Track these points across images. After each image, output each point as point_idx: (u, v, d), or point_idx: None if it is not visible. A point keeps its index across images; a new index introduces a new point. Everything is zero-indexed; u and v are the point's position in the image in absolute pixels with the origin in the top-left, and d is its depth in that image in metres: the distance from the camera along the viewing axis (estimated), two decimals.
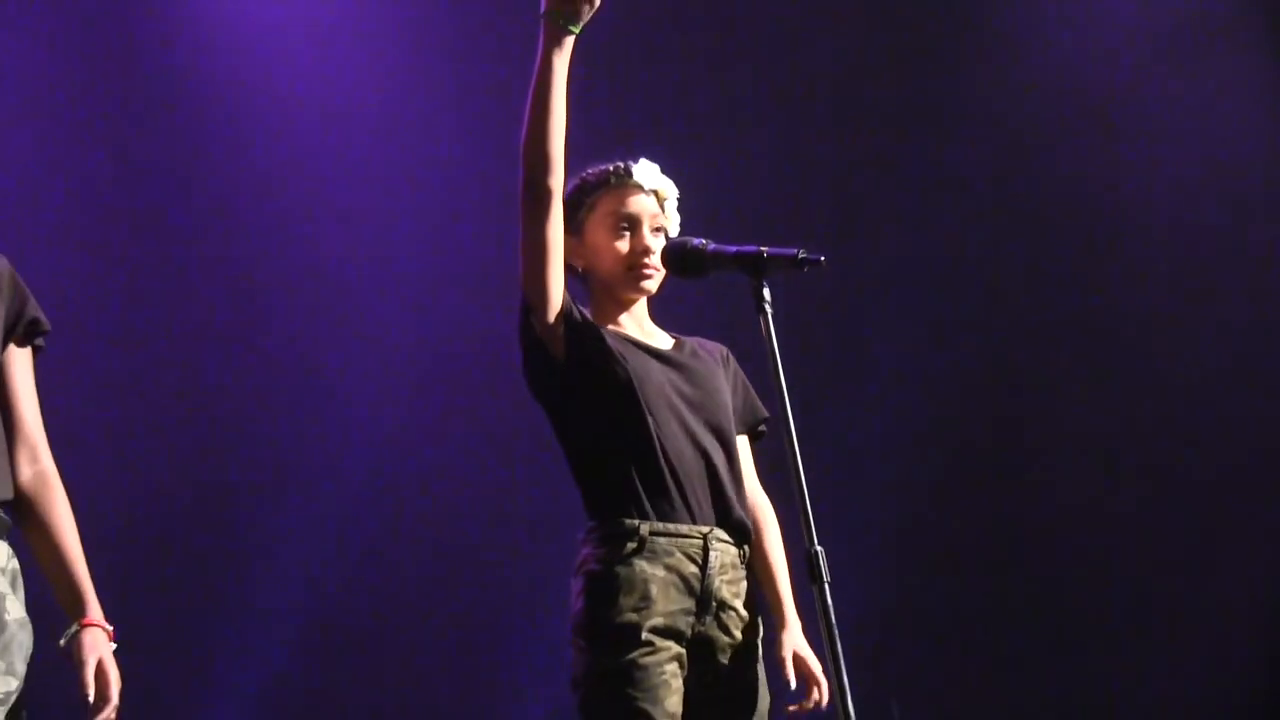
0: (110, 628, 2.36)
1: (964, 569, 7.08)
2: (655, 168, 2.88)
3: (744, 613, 2.67)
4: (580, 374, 2.68)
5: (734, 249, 2.63)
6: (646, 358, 2.74)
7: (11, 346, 2.40)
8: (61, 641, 2.34)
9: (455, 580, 6.67)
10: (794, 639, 2.74)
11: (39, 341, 2.46)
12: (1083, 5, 7.79)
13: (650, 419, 2.66)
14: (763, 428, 2.93)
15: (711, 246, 2.66)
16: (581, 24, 2.57)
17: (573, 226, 2.78)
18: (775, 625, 2.76)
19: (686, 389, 2.74)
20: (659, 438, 2.65)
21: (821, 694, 2.69)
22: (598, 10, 2.55)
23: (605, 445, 2.68)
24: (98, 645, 2.32)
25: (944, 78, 7.71)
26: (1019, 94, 7.68)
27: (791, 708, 2.65)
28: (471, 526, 6.41)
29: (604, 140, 2.92)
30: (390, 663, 6.72)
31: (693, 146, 3.12)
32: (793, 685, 2.69)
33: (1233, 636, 7.41)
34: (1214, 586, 7.37)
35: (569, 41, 2.57)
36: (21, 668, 2.24)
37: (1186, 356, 7.28)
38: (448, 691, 6.14)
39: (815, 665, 2.72)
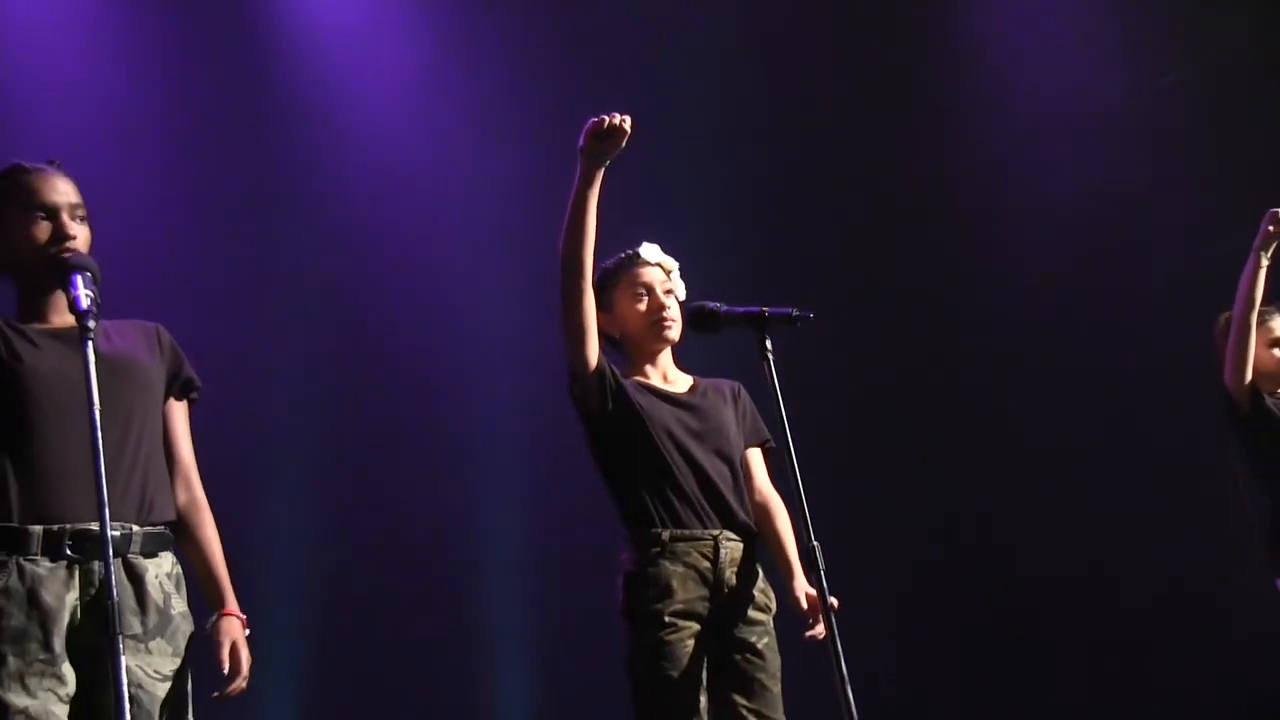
0: (244, 616, 2.62)
1: (928, 551, 7.47)
2: (657, 247, 3.29)
3: (753, 594, 3.05)
4: (611, 422, 3.07)
5: (741, 310, 3.04)
6: (660, 403, 3.12)
7: (172, 400, 2.68)
8: (207, 627, 2.59)
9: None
10: (800, 584, 3.07)
11: (193, 395, 2.73)
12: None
13: (663, 451, 3.05)
14: (770, 443, 3.28)
15: (724, 309, 3.07)
16: (609, 161, 2.95)
17: (603, 304, 3.18)
18: (786, 581, 3.11)
19: (694, 424, 3.12)
20: (671, 465, 3.04)
21: (818, 616, 3.00)
22: (621, 151, 2.93)
23: (630, 473, 3.09)
24: (233, 630, 2.59)
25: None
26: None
27: (808, 634, 3.01)
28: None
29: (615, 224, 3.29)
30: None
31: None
32: (808, 607, 3.04)
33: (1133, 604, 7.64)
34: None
35: (599, 175, 2.96)
36: (183, 648, 2.51)
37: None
38: None
39: (815, 595, 2.94)
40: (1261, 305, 4.23)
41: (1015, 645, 7.79)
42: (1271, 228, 4.13)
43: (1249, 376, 4.27)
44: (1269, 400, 4.33)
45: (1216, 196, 6.74)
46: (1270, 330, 4.36)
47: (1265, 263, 4.16)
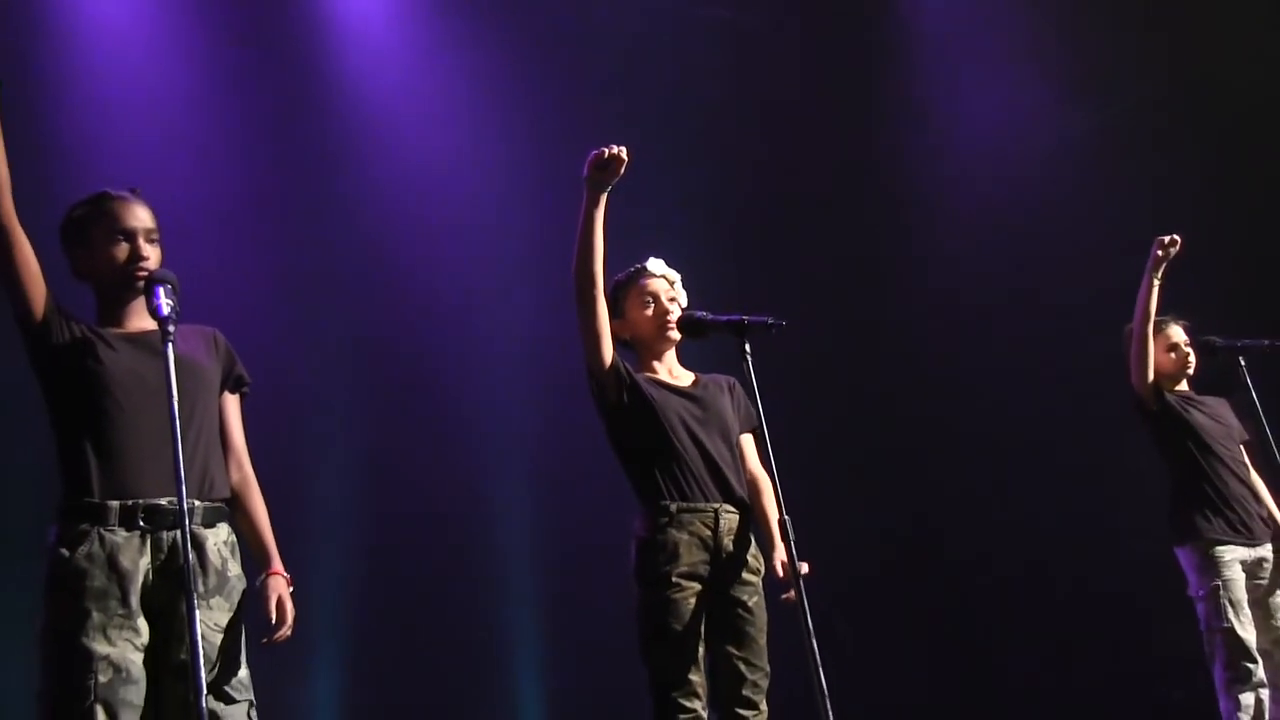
0: (288, 575, 2.64)
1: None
2: (662, 261, 3.28)
3: (747, 559, 3.04)
4: (627, 412, 3.07)
5: (725, 318, 3.05)
6: (669, 394, 3.12)
7: (226, 394, 2.70)
8: (257, 584, 2.60)
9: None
10: (779, 555, 3.04)
11: (245, 390, 2.74)
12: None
13: (672, 436, 3.05)
14: (760, 431, 3.22)
15: (710, 317, 3.09)
16: (610, 187, 2.94)
17: (616, 312, 3.17)
18: (768, 552, 3.11)
19: (698, 412, 3.12)
20: (679, 447, 3.04)
21: (796, 570, 2.91)
22: (621, 178, 2.91)
23: (643, 455, 3.08)
24: (279, 587, 2.60)
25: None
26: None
27: (784, 596, 2.99)
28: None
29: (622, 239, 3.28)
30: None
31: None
32: (786, 572, 2.99)
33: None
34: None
35: (603, 199, 2.95)
36: (237, 604, 2.53)
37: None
38: None
39: (791, 561, 2.91)
40: (1157, 316, 4.25)
41: (947, 597, 7.82)
42: (1160, 252, 4.15)
43: (1151, 377, 4.27)
44: (1169, 396, 4.33)
45: (1122, 224, 6.70)
46: (1167, 337, 4.37)
47: (1158, 281, 4.18)
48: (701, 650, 2.93)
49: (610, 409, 3.08)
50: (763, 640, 3.01)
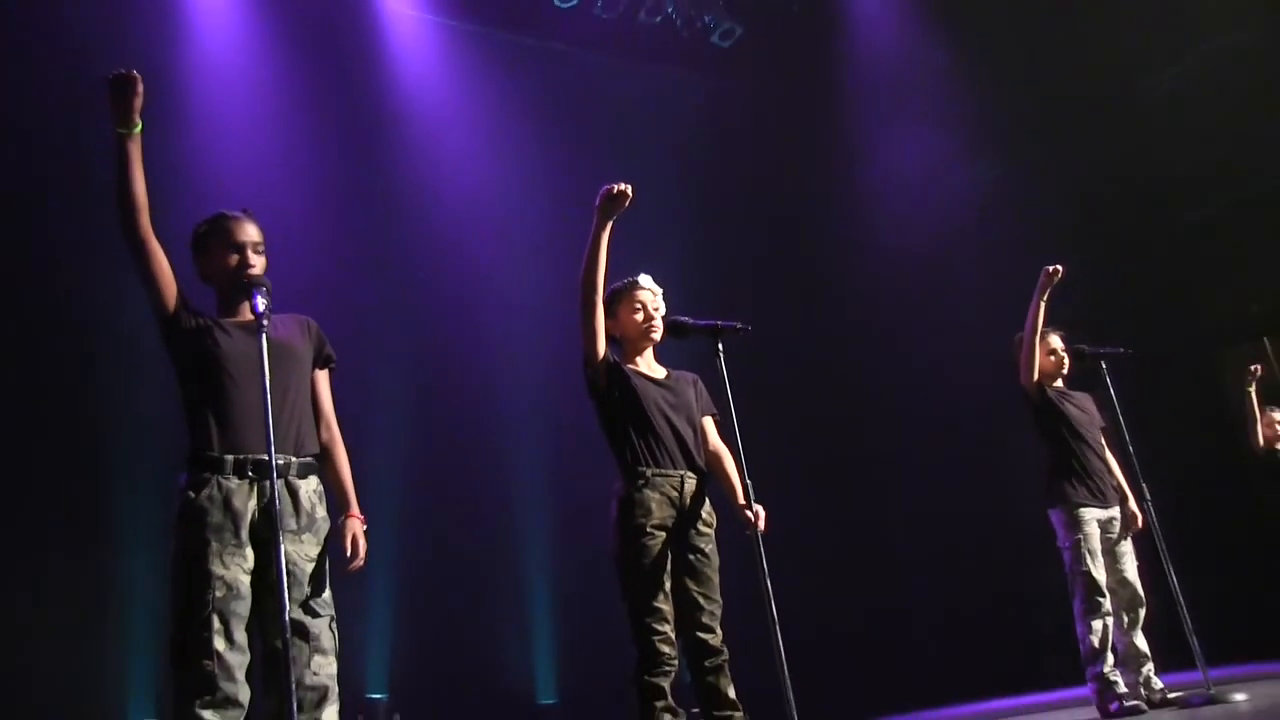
0: (363, 517, 2.62)
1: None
2: (649, 277, 3.24)
3: (703, 514, 3.03)
4: (613, 396, 3.05)
5: (703, 322, 3.05)
6: (647, 383, 3.09)
7: (317, 370, 2.71)
8: (339, 523, 2.60)
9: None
10: (741, 501, 3.02)
11: (332, 366, 2.76)
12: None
13: (649, 416, 3.02)
14: (717, 415, 3.23)
15: (691, 321, 3.08)
16: (616, 216, 2.93)
17: (610, 314, 3.13)
18: (732, 499, 3.09)
19: (670, 399, 3.09)
20: (654, 425, 3.02)
21: (757, 516, 2.95)
22: (624, 210, 2.92)
23: (625, 430, 3.03)
24: (355, 527, 2.60)
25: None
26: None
27: (749, 531, 2.95)
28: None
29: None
30: None
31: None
32: (752, 516, 2.96)
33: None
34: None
35: (609, 226, 2.94)
36: (323, 539, 2.54)
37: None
38: None
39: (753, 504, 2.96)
40: (1043, 328, 4.28)
41: (874, 550, 7.94)
42: (1045, 278, 4.19)
43: (1036, 376, 4.32)
44: (1049, 391, 4.36)
45: (1014, 256, 6.84)
46: (1048, 344, 4.38)
47: (1044, 301, 4.22)
48: (667, 583, 2.89)
49: (600, 393, 3.05)
50: (716, 579, 2.98)
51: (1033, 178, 7.95)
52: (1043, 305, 4.22)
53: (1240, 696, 3.78)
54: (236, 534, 2.41)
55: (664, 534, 2.93)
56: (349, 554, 2.57)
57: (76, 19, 5.59)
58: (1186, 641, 4.01)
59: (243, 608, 2.38)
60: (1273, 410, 5.57)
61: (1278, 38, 6.99)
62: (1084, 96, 7.70)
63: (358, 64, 6.91)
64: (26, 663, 5.11)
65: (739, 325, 3.04)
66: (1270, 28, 7.03)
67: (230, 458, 2.45)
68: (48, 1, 5.68)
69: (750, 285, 7.72)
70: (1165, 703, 4.00)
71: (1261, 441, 5.53)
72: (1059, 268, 4.18)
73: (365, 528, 2.62)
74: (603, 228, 2.93)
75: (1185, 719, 3.30)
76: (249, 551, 2.43)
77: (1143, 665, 4.11)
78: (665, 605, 2.86)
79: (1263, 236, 7.12)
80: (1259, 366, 5.58)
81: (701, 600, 2.92)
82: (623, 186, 2.88)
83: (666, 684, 2.80)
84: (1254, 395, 5.51)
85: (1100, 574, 4.07)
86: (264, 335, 2.43)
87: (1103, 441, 4.38)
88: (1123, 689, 3.97)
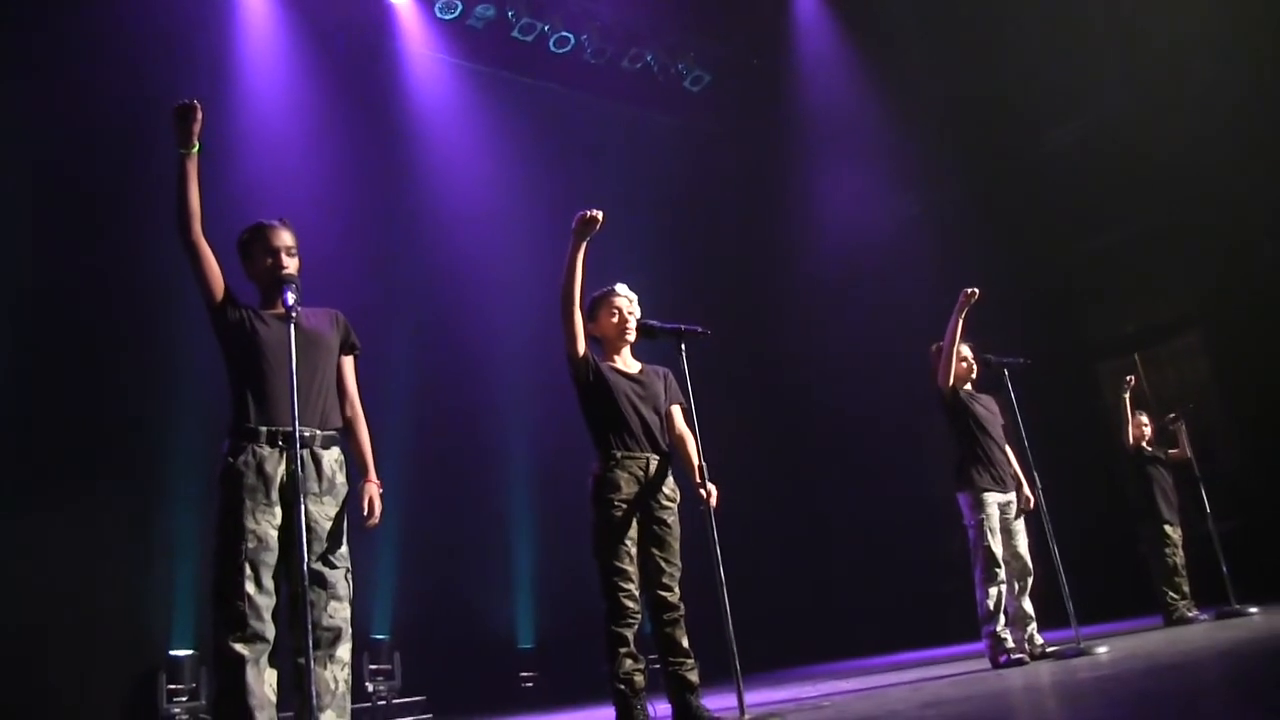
0: (380, 482, 2.57)
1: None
2: (626, 285, 3.18)
3: (666, 490, 2.99)
4: (592, 389, 2.99)
5: (669, 325, 3.04)
6: (620, 378, 3.03)
7: (343, 356, 2.68)
8: (358, 488, 2.55)
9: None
10: (700, 480, 2.96)
11: (357, 352, 2.71)
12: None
13: (619, 406, 2.97)
14: (684, 404, 3.15)
15: (659, 325, 3.05)
16: (590, 237, 2.85)
17: (590, 317, 3.08)
18: (693, 478, 2.99)
19: (641, 391, 3.03)
20: (625, 414, 2.97)
21: (710, 494, 2.90)
22: (601, 228, 2.83)
23: (601, 419, 2.98)
24: (372, 491, 2.55)
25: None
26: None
27: (702, 507, 2.92)
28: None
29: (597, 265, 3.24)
30: None
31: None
32: (705, 494, 2.93)
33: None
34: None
35: (584, 245, 2.85)
36: (341, 502, 2.52)
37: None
38: None
39: (706, 484, 2.93)
40: (960, 341, 4.26)
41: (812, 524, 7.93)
42: (963, 299, 4.18)
43: (951, 381, 4.32)
44: (960, 393, 4.36)
45: (937, 279, 6.84)
46: (960, 353, 4.36)
47: (961, 319, 4.20)
48: (634, 550, 2.86)
49: (581, 385, 2.99)
50: (677, 545, 2.95)
51: (950, 210, 8.03)
52: (960, 322, 4.20)
53: (1103, 649, 3.85)
54: (268, 494, 2.41)
55: (631, 507, 2.90)
56: (365, 513, 2.53)
57: (160, 84, 5.60)
58: (1064, 605, 4.07)
59: (271, 558, 2.38)
60: (1141, 414, 5.71)
61: (1158, 104, 7.10)
62: (997, 143, 7.80)
63: (381, 97, 6.90)
64: (92, 601, 5.20)
65: (700, 329, 3.02)
66: (1157, 91, 7.13)
67: (264, 429, 2.44)
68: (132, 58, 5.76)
69: (714, 295, 7.73)
70: (1044, 655, 4.04)
71: (1132, 440, 5.65)
72: (976, 291, 4.15)
73: (381, 491, 2.58)
74: (577, 248, 2.86)
75: (1058, 669, 3.35)
76: (278, 510, 2.42)
77: (1028, 625, 4.14)
78: (630, 567, 2.83)
79: (1135, 270, 7.23)
80: (1132, 377, 5.70)
81: (663, 564, 2.90)
82: (594, 212, 2.81)
83: (630, 634, 2.78)
84: (1127, 401, 5.64)
85: (998, 548, 4.10)
86: (293, 325, 2.43)
87: (1003, 436, 4.39)
88: (1011, 645, 4.00)
